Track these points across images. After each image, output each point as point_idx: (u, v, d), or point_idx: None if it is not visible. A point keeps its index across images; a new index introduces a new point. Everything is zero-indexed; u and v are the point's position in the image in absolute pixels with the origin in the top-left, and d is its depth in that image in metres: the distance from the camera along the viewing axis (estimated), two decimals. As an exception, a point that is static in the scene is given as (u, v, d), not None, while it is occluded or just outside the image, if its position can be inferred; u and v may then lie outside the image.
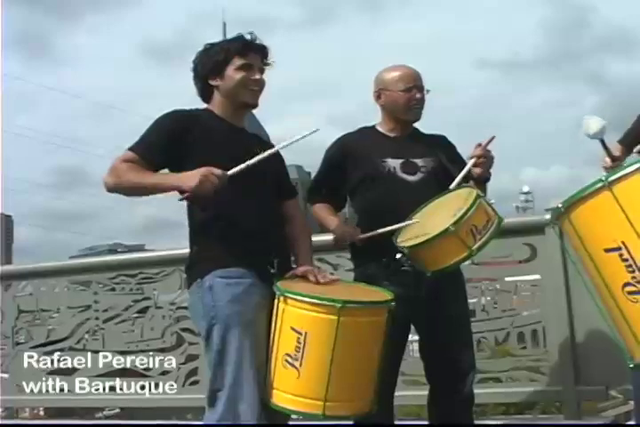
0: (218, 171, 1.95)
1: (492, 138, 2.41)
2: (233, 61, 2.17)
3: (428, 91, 2.54)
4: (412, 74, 2.54)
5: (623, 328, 1.78)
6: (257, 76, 2.19)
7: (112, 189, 2.06)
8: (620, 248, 1.71)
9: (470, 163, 2.37)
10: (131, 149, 2.10)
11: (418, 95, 2.51)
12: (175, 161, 2.11)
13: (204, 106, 2.26)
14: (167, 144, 2.10)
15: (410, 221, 2.31)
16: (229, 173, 1.98)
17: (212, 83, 2.20)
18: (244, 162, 2.06)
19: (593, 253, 1.79)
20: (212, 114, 2.21)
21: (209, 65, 2.19)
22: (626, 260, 1.71)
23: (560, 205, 1.82)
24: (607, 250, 1.74)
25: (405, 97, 2.50)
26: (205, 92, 2.24)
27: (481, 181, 2.40)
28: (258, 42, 2.21)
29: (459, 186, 2.36)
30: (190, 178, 1.94)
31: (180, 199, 2.03)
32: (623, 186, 1.73)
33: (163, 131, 2.12)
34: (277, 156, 2.33)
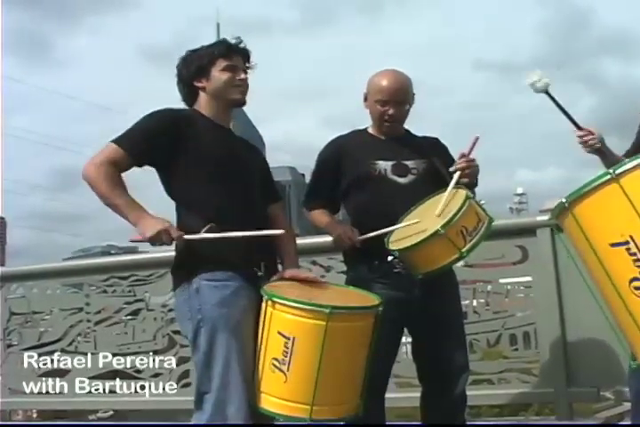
0: (175, 232, 1.98)
1: (476, 139, 2.36)
2: (218, 63, 2.20)
3: (410, 105, 2.51)
4: (393, 87, 2.45)
5: (628, 324, 1.72)
6: (242, 76, 2.23)
7: (86, 181, 2.05)
8: (627, 242, 1.66)
9: (456, 177, 2.33)
10: (118, 143, 2.07)
11: (391, 111, 2.46)
12: (161, 159, 2.12)
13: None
14: (155, 142, 2.09)
15: (408, 222, 2.28)
16: (186, 237, 2.00)
17: (198, 84, 2.22)
18: (228, 162, 2.13)
19: (597, 248, 1.73)
20: (200, 114, 2.22)
21: (193, 68, 2.21)
22: (634, 254, 1.66)
23: (564, 200, 1.75)
24: (613, 244, 1.69)
25: (379, 111, 2.47)
26: (190, 95, 2.25)
27: (468, 189, 2.37)
28: (241, 45, 2.25)
29: None
30: (149, 227, 1.97)
31: (131, 241, 2.13)
32: (631, 178, 1.66)
33: (152, 128, 2.11)
34: (263, 159, 2.40)
